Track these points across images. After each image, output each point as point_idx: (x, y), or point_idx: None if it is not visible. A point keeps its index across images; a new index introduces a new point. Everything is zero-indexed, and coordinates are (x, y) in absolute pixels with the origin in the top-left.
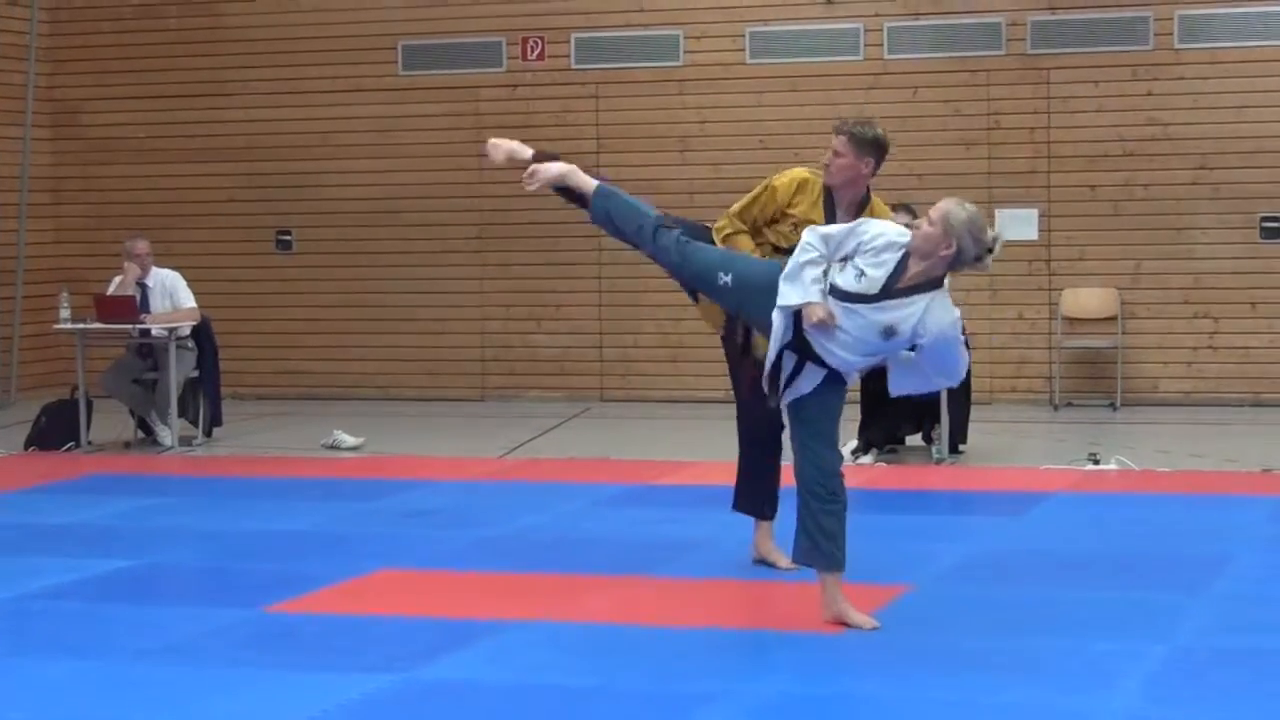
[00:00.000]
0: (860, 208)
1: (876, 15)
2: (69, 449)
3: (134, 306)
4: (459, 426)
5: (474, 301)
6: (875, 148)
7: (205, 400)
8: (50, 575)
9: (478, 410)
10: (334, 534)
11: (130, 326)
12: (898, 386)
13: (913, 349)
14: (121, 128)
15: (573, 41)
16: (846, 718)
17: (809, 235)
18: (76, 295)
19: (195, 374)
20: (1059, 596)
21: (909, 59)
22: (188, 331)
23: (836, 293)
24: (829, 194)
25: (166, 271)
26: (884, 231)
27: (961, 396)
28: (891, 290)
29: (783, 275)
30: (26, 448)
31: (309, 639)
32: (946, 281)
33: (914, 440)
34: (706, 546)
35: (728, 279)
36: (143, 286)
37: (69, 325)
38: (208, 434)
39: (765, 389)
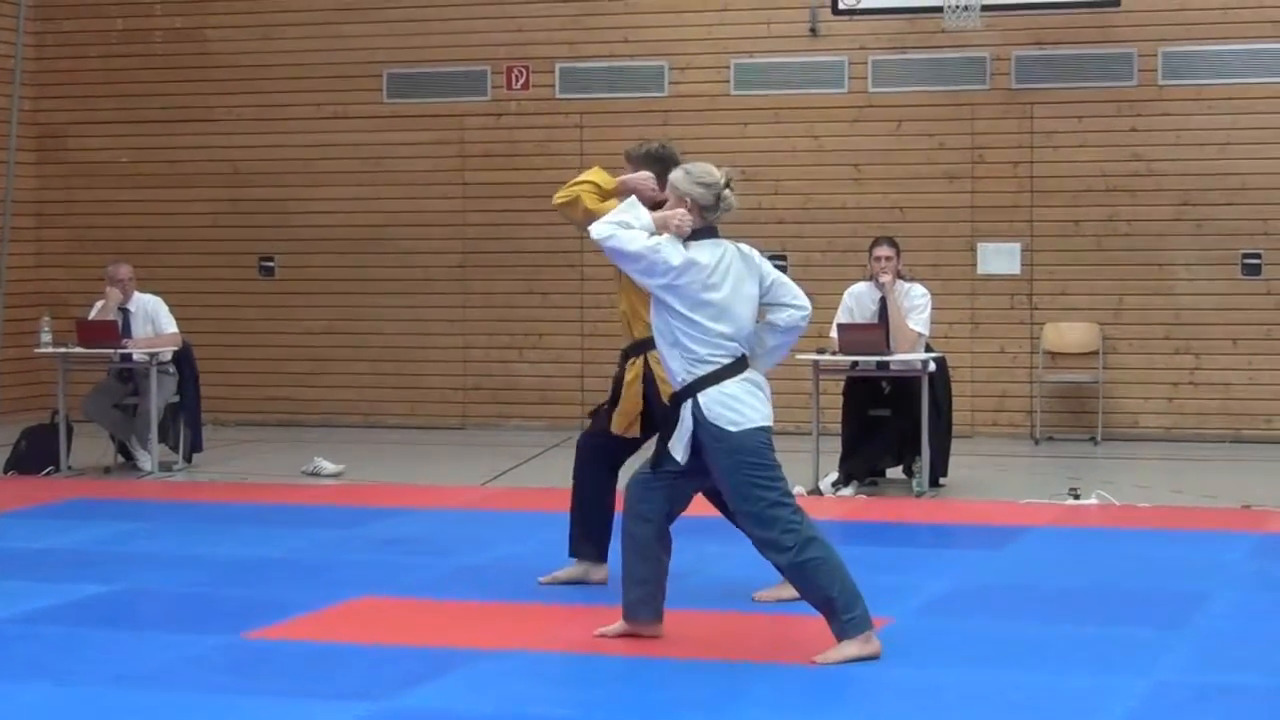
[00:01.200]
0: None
1: (862, 49)
2: (49, 473)
3: (115, 331)
4: (440, 454)
5: (456, 330)
6: (649, 160)
7: (186, 426)
8: (28, 600)
9: (459, 438)
10: (313, 561)
11: (111, 351)
12: None
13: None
14: (105, 152)
15: (557, 71)
16: None
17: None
18: (58, 319)
19: (176, 399)
20: (1039, 631)
21: (894, 92)
22: (169, 357)
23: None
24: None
25: (148, 296)
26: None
27: (942, 430)
28: None
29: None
30: (6, 471)
31: (287, 666)
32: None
33: (894, 473)
34: (685, 577)
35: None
36: (124, 311)
37: (50, 349)
38: (188, 459)
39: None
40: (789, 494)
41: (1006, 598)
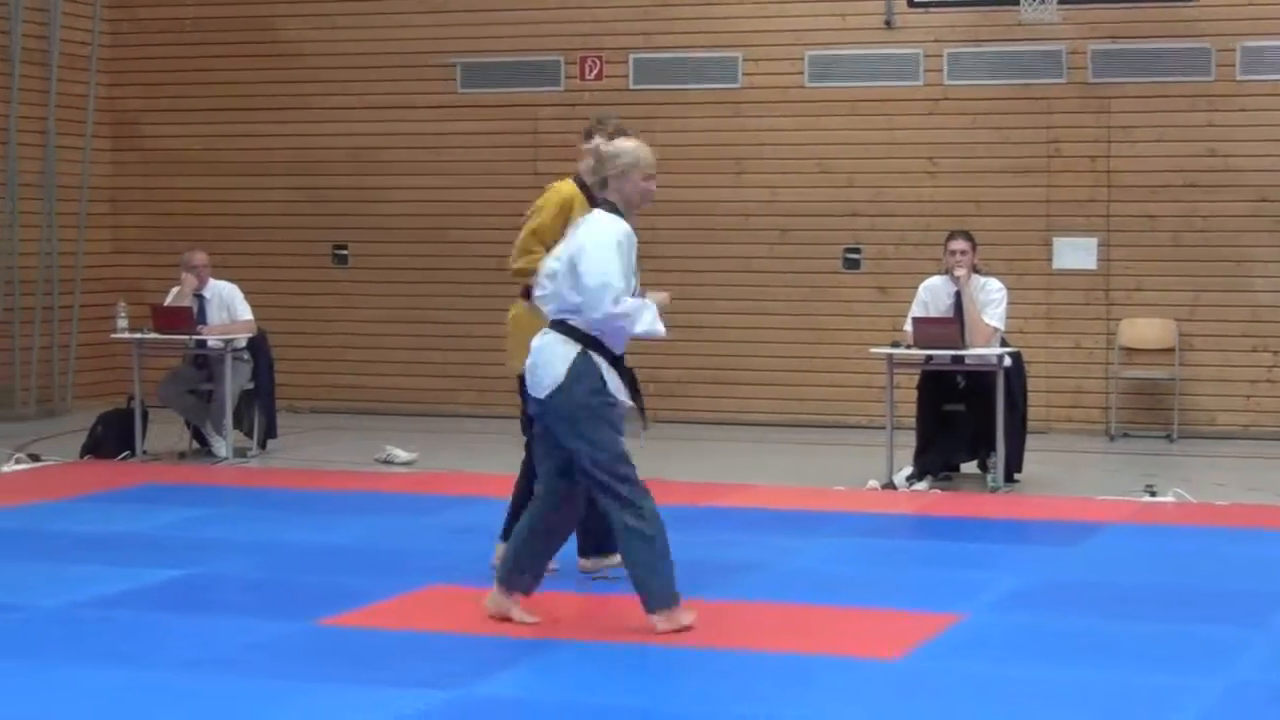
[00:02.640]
0: None
1: (937, 41)
2: (124, 458)
3: (191, 317)
4: (511, 444)
5: None
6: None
7: (260, 412)
8: (103, 584)
9: None
10: (386, 548)
11: (187, 337)
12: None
13: None
14: (180, 140)
15: (631, 62)
16: None
17: (618, 310)
18: (134, 305)
19: (250, 386)
20: (1114, 628)
21: (969, 85)
22: (244, 343)
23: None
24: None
25: (223, 283)
26: (610, 224)
27: (1017, 425)
28: None
29: (628, 320)
30: (82, 456)
31: (361, 653)
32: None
33: (969, 468)
34: (755, 570)
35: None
36: (200, 298)
37: (126, 335)
38: (262, 446)
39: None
40: None
41: (1081, 594)
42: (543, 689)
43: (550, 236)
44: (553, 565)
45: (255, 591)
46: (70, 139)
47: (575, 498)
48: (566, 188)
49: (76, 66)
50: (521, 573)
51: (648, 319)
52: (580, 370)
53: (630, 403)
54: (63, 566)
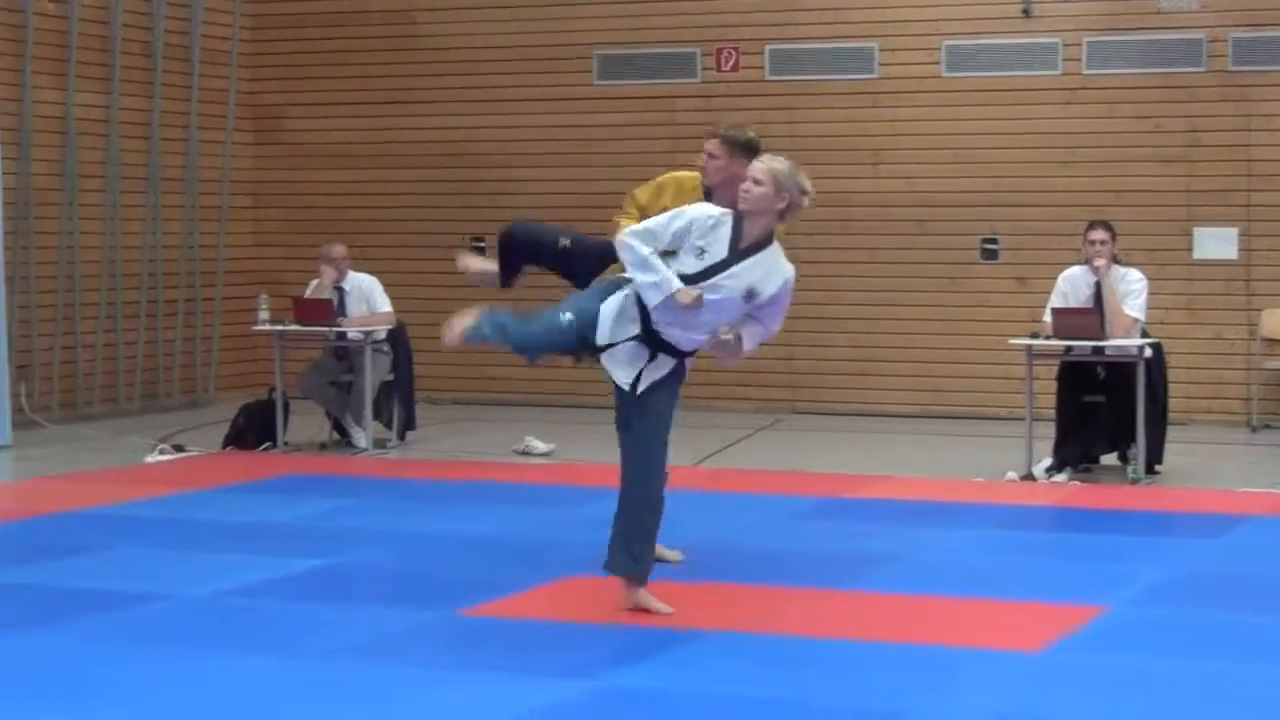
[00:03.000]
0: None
1: (1075, 30)
2: (266, 449)
3: (331, 309)
4: None
5: None
6: (746, 149)
7: (399, 404)
8: (246, 573)
9: None
10: (525, 539)
11: (327, 329)
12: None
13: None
14: (321, 133)
15: (767, 53)
16: None
17: (629, 239)
18: (275, 297)
19: (390, 377)
20: (1257, 621)
21: (1108, 74)
22: (383, 335)
23: (685, 279)
24: (708, 193)
25: (363, 275)
26: (703, 210)
27: (1158, 416)
28: (738, 254)
29: (627, 254)
30: (225, 447)
31: (500, 642)
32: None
33: (1109, 460)
34: (897, 561)
35: (569, 317)
36: (340, 290)
37: (267, 327)
38: (401, 437)
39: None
40: None
41: (1224, 587)
42: (682, 680)
43: (642, 202)
44: (677, 555)
45: (395, 581)
46: (212, 133)
47: (641, 470)
48: (683, 171)
49: (218, 61)
50: (630, 554)
51: (644, 278)
52: (612, 279)
53: (611, 339)
54: (207, 556)
